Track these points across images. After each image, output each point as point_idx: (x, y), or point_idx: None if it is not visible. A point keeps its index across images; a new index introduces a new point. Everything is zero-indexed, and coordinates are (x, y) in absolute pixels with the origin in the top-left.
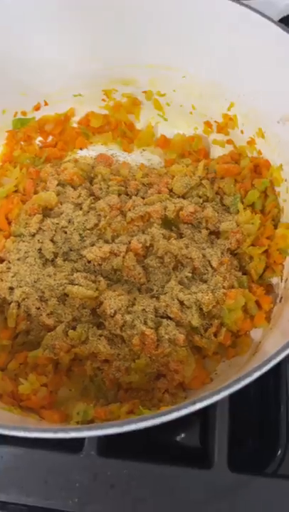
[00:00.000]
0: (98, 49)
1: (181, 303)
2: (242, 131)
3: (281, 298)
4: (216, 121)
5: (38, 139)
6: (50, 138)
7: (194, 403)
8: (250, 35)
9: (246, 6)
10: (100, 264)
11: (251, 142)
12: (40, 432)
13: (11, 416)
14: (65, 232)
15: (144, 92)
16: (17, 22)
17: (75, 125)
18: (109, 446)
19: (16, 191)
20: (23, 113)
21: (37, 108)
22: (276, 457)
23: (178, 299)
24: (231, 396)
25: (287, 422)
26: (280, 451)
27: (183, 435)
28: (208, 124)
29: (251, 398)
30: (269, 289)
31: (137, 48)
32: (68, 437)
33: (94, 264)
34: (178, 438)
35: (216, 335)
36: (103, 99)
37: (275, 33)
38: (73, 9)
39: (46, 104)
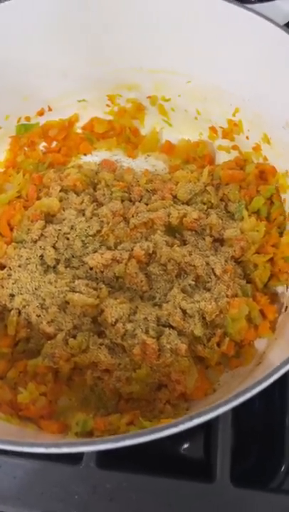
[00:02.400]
0: (102, 54)
1: (184, 311)
2: (247, 137)
3: (286, 307)
4: (221, 127)
5: (42, 145)
6: (54, 143)
7: (192, 419)
8: (254, 40)
9: (251, 10)
10: (101, 271)
11: (257, 148)
12: (31, 446)
13: (9, 426)
14: (68, 239)
15: (149, 97)
16: (19, 29)
17: (79, 130)
18: (109, 457)
19: (18, 197)
20: (27, 118)
21: (41, 113)
22: (280, 472)
23: (180, 308)
24: (235, 407)
25: None
26: (284, 467)
27: (186, 446)
28: (213, 129)
29: (256, 409)
30: (274, 298)
31: (142, 52)
32: (60, 452)
33: (96, 271)
34: (181, 448)
35: (219, 345)
36: (107, 105)
37: (280, 37)
38: (76, 14)
39: (50, 109)
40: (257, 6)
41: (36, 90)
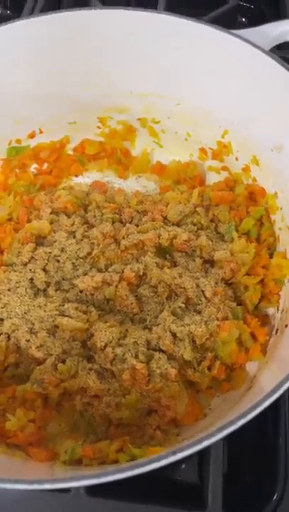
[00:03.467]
0: (91, 78)
1: (174, 335)
2: (236, 158)
3: (277, 329)
4: (210, 148)
5: (33, 166)
6: (45, 165)
7: (175, 453)
8: (241, 65)
9: (238, 36)
10: (92, 294)
11: (246, 169)
12: (13, 483)
13: None
14: (58, 261)
15: (139, 119)
16: (9, 54)
17: (70, 152)
18: (101, 484)
19: (9, 219)
20: (18, 141)
21: (32, 136)
22: (273, 498)
23: (170, 331)
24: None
25: (286, 462)
26: (277, 493)
27: (181, 471)
28: (203, 150)
29: (249, 433)
30: (265, 320)
31: (130, 76)
32: (42, 489)
33: (86, 294)
34: (176, 474)
35: (209, 368)
36: (98, 127)
37: (266, 63)
38: (65, 40)
39: (41, 132)
40: (243, 31)
41: (27, 113)
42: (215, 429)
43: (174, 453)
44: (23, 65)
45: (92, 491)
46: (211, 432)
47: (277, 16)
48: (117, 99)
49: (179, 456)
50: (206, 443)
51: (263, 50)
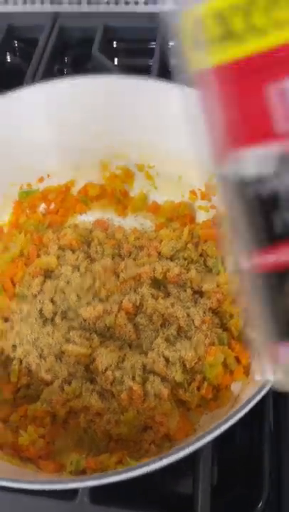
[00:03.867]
0: (94, 134)
1: (167, 359)
2: None
3: (258, 353)
4: (199, 189)
5: (42, 206)
6: (53, 205)
7: (161, 459)
8: None
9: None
10: (94, 323)
11: None
12: (31, 483)
13: (10, 467)
14: (64, 293)
15: (137, 164)
16: (25, 115)
17: (75, 194)
18: (103, 492)
19: (20, 255)
20: (28, 185)
21: (41, 180)
22: (258, 507)
23: (164, 356)
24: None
25: (271, 469)
26: (261, 502)
27: (180, 481)
28: (193, 192)
29: (237, 443)
30: (247, 344)
31: (127, 132)
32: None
33: (89, 322)
34: (176, 484)
35: (198, 389)
36: (100, 171)
37: None
38: (69, 106)
39: (49, 176)
40: None
41: (38, 163)
42: (194, 438)
43: (161, 459)
44: (35, 125)
45: (96, 498)
46: (192, 441)
47: None
48: (116, 148)
49: (165, 462)
50: (187, 450)
51: None
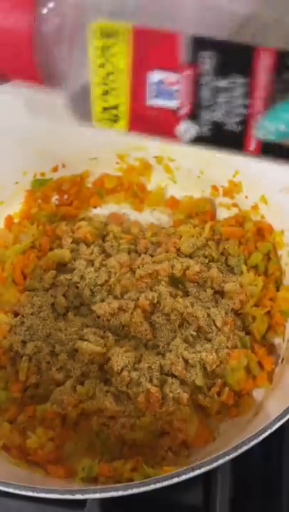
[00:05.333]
0: None
1: (186, 361)
2: (246, 197)
3: (283, 359)
4: (222, 186)
5: (55, 198)
6: (66, 196)
7: (172, 477)
8: None
9: None
10: (108, 320)
11: (255, 207)
12: (47, 492)
13: (18, 470)
14: (77, 288)
15: (156, 156)
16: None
17: (89, 185)
18: (113, 503)
19: (32, 247)
20: (42, 174)
21: (55, 169)
22: None
23: (183, 358)
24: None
25: None
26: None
27: (192, 494)
28: (214, 187)
29: (254, 461)
30: (271, 349)
31: None
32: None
33: (103, 320)
34: (187, 497)
35: (219, 394)
36: (117, 162)
37: None
38: None
39: (64, 166)
40: None
41: (54, 151)
42: (231, 448)
43: (193, 469)
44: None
45: (106, 509)
46: (227, 450)
47: None
48: (135, 139)
49: (175, 480)
50: (222, 460)
51: None
